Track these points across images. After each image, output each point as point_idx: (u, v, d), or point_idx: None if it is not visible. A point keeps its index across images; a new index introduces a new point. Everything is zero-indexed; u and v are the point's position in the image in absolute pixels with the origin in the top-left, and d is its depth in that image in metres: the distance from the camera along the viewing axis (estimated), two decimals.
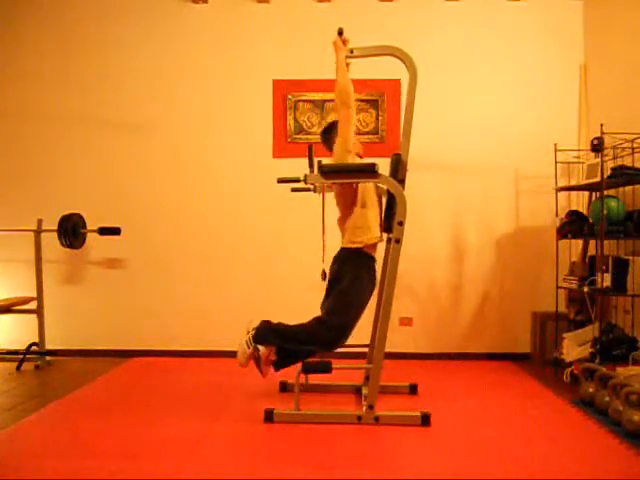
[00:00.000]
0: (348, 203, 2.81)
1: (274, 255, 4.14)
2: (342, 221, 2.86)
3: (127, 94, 4.19)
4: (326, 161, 2.70)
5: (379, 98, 4.12)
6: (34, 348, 3.84)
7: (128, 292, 4.18)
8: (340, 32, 2.80)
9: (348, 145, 2.71)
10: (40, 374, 3.67)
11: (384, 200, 2.94)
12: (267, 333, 2.74)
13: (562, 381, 3.38)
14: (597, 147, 3.24)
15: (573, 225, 3.53)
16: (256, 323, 2.80)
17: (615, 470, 2.14)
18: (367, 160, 2.75)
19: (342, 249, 2.83)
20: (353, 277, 2.74)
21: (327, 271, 2.85)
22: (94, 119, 4.19)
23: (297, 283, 4.06)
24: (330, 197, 2.97)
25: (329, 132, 2.94)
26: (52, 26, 4.21)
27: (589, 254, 3.72)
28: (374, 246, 2.83)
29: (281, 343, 2.71)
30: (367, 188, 2.82)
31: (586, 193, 3.86)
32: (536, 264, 4.07)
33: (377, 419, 2.63)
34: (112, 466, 2.16)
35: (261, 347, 2.71)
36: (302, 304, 4.01)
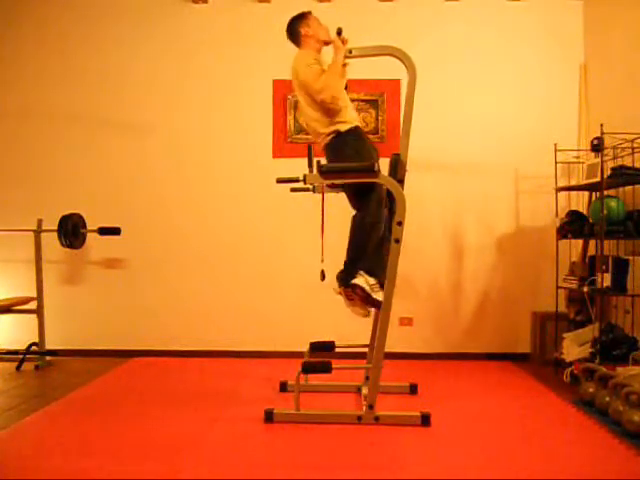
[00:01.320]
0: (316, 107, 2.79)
1: (274, 255, 4.14)
2: (313, 125, 2.85)
3: (127, 94, 4.19)
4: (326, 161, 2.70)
5: (379, 98, 4.12)
6: (34, 348, 3.84)
7: (128, 292, 4.18)
8: (339, 32, 2.80)
9: (304, 83, 2.76)
10: (40, 374, 3.67)
11: None
12: (348, 271, 2.75)
13: (562, 381, 3.38)
14: (597, 147, 3.24)
15: (573, 225, 3.53)
16: (336, 282, 2.80)
17: (615, 470, 2.13)
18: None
19: (326, 145, 2.82)
20: (348, 151, 2.74)
21: (325, 272, 2.85)
22: (94, 119, 4.20)
23: (297, 283, 4.06)
24: (329, 197, 2.97)
25: (295, 23, 2.95)
26: (52, 26, 4.21)
27: (589, 254, 3.72)
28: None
29: (360, 262, 2.71)
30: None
31: (586, 193, 3.86)
32: (536, 264, 4.07)
33: (377, 419, 2.63)
34: (112, 466, 2.16)
35: (356, 281, 2.68)
36: (302, 304, 4.06)
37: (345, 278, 2.77)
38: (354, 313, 2.80)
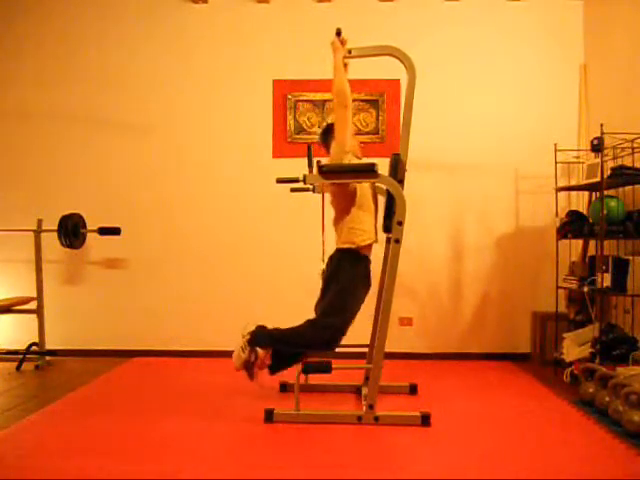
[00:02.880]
0: (343, 204, 2.80)
1: (274, 255, 4.14)
2: (337, 221, 2.85)
3: (127, 94, 4.19)
4: (325, 161, 2.70)
5: (379, 98, 4.12)
6: (34, 348, 3.84)
7: (128, 292, 4.18)
8: (338, 32, 2.79)
9: (345, 146, 2.71)
10: (40, 374, 3.67)
11: (382, 202, 2.94)
12: (262, 337, 2.76)
13: (562, 381, 3.38)
14: (597, 147, 3.24)
15: (573, 225, 3.53)
16: (251, 327, 2.81)
17: (615, 470, 2.13)
18: (367, 160, 2.75)
19: (337, 250, 2.84)
20: (348, 277, 2.75)
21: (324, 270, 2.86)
22: (94, 119, 4.20)
23: (297, 283, 4.06)
24: (329, 197, 2.97)
25: (327, 133, 2.94)
26: (52, 26, 4.21)
27: (589, 254, 3.72)
28: (369, 247, 2.83)
29: (277, 346, 2.74)
30: (364, 190, 2.80)
31: (586, 193, 3.86)
32: (536, 264, 4.07)
33: (377, 419, 2.63)
34: (112, 466, 2.16)
35: (259, 350, 2.72)
36: (302, 304, 4.01)
37: (257, 339, 2.74)
38: (234, 357, 2.77)
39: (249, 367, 2.73)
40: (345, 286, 2.74)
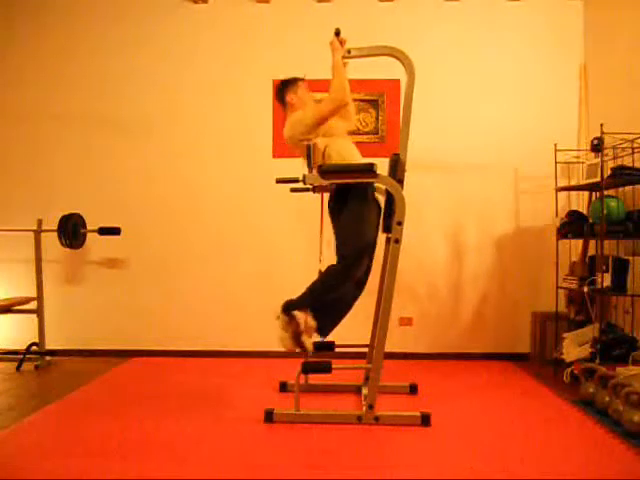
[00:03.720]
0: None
1: (274, 255, 4.14)
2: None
3: (127, 94, 4.19)
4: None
5: (379, 98, 4.12)
6: (34, 348, 3.84)
7: (128, 292, 4.18)
8: (337, 32, 2.79)
9: (319, 122, 2.73)
10: (40, 374, 3.67)
11: (381, 202, 2.94)
12: (294, 302, 2.73)
13: (562, 381, 3.38)
14: (597, 147, 3.24)
15: (573, 225, 3.53)
16: (279, 308, 2.78)
17: (615, 470, 2.14)
18: (366, 160, 2.75)
19: (333, 190, 2.82)
20: (351, 208, 2.73)
21: (324, 258, 2.87)
22: (94, 119, 4.20)
23: (297, 283, 4.04)
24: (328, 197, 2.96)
25: (283, 89, 2.95)
26: (52, 26, 4.21)
27: (589, 254, 3.72)
28: None
29: (312, 301, 2.70)
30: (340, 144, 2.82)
31: (586, 193, 3.86)
32: (536, 264, 4.07)
33: (377, 419, 2.63)
34: (112, 466, 2.16)
35: (297, 312, 2.67)
36: None
37: (289, 306, 2.72)
38: (281, 343, 2.72)
39: (298, 339, 2.65)
40: (352, 216, 2.71)
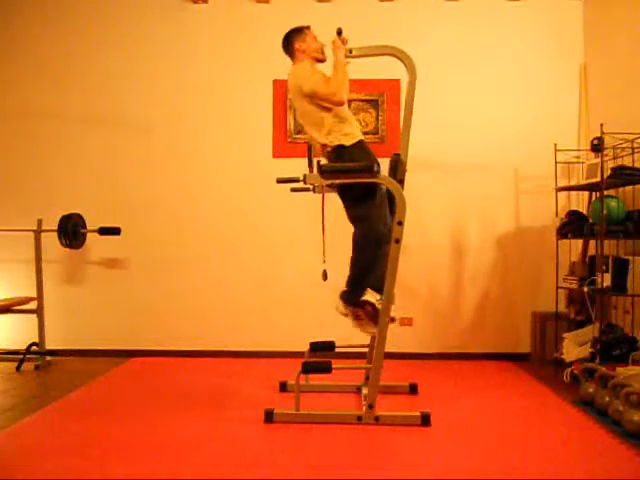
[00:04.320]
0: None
1: (274, 255, 4.14)
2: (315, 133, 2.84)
3: (127, 94, 4.19)
4: (324, 161, 2.70)
5: (379, 98, 4.12)
6: (34, 348, 3.84)
7: (128, 292, 4.18)
8: (339, 32, 2.79)
9: (314, 94, 2.73)
10: (40, 374, 3.67)
11: None
12: (352, 292, 2.76)
13: (562, 381, 3.38)
14: (597, 147, 3.24)
15: (573, 225, 3.53)
16: (339, 302, 2.81)
17: (615, 470, 2.14)
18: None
19: (332, 149, 2.80)
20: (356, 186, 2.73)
21: (328, 273, 2.85)
22: (94, 119, 4.19)
23: (297, 283, 4.06)
24: (329, 197, 2.97)
25: (290, 37, 2.95)
26: (52, 26, 4.21)
27: (589, 254, 3.72)
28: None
29: (366, 282, 2.75)
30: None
31: (586, 193, 3.86)
32: (536, 264, 4.07)
33: (377, 419, 2.63)
34: (112, 466, 2.16)
35: (368, 297, 2.72)
36: (302, 304, 4.06)
37: (352, 297, 2.77)
38: (363, 332, 2.78)
39: (378, 316, 2.68)
40: (358, 190, 2.72)
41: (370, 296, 2.75)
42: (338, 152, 2.78)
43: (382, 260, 2.72)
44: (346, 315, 2.80)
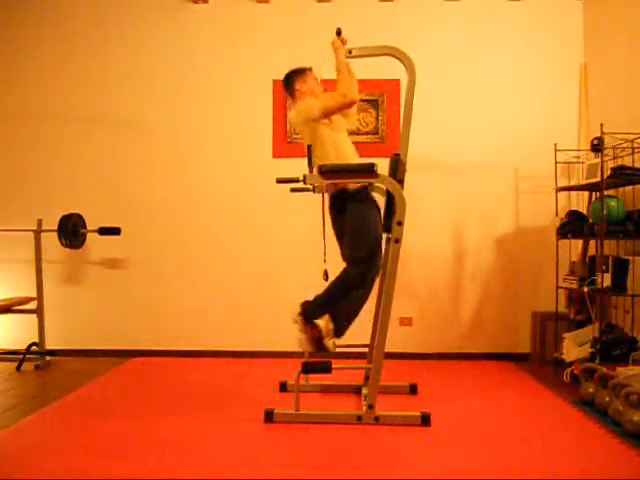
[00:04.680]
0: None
1: (274, 255, 4.14)
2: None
3: (127, 94, 4.19)
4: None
5: (379, 98, 4.12)
6: (34, 348, 3.84)
7: (128, 292, 4.18)
8: (338, 32, 2.79)
9: (326, 113, 2.75)
10: (40, 374, 3.67)
11: (381, 202, 2.94)
12: (312, 309, 2.75)
13: (562, 381, 3.38)
14: (597, 147, 3.24)
15: (573, 225, 3.53)
16: (297, 309, 2.80)
17: (615, 470, 2.13)
18: (367, 160, 2.75)
19: (332, 196, 2.85)
20: (354, 212, 2.75)
21: (328, 272, 2.85)
22: (94, 119, 4.20)
23: (296, 283, 4.05)
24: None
25: (292, 77, 2.97)
26: (52, 26, 4.21)
27: (589, 254, 3.72)
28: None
29: (329, 308, 2.73)
30: (340, 139, 2.84)
31: (586, 193, 3.86)
32: (536, 264, 4.07)
33: (377, 419, 2.63)
34: (112, 466, 2.16)
35: (318, 322, 2.71)
36: None
37: (310, 313, 2.75)
38: (299, 345, 2.77)
39: (319, 343, 2.70)
40: (355, 220, 2.75)
41: (324, 323, 2.72)
42: (340, 198, 2.81)
43: (361, 298, 2.75)
44: (295, 322, 2.78)
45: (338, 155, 2.80)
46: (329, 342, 2.71)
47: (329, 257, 2.90)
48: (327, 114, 2.77)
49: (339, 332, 2.76)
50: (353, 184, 2.79)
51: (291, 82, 2.97)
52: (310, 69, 2.99)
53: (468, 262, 4.11)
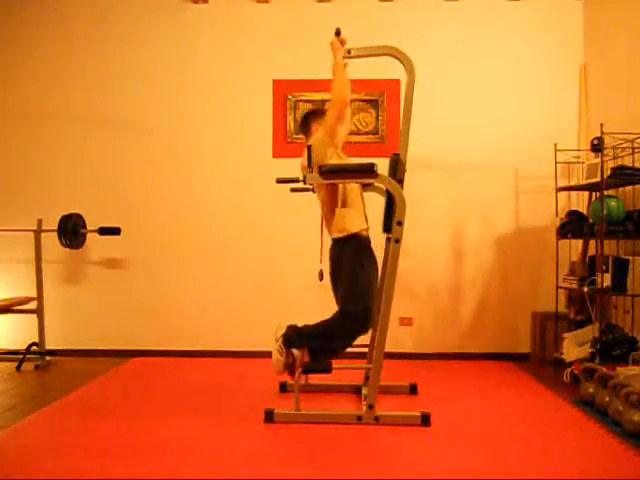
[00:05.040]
0: (331, 203, 2.81)
1: (273, 255, 4.14)
2: (326, 215, 2.86)
3: (127, 94, 4.19)
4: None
5: (379, 98, 4.12)
6: (34, 348, 3.84)
7: (128, 292, 4.18)
8: (337, 32, 2.79)
9: (334, 136, 2.73)
10: (40, 374, 3.67)
11: (381, 202, 2.94)
12: (295, 337, 2.74)
13: (562, 381, 3.38)
14: (597, 147, 3.24)
15: (573, 225, 3.53)
16: (283, 329, 2.79)
17: (615, 470, 2.14)
18: (367, 160, 2.75)
19: (333, 241, 2.84)
20: (352, 262, 2.74)
21: (324, 271, 2.86)
22: (94, 119, 4.20)
23: (296, 283, 4.06)
24: (318, 194, 2.97)
25: (309, 118, 2.96)
26: (52, 26, 4.21)
27: (589, 254, 3.72)
28: (363, 231, 2.82)
29: (312, 343, 2.72)
30: (351, 188, 2.81)
31: (586, 193, 3.86)
32: (536, 264, 4.07)
33: (377, 419, 2.63)
34: (112, 466, 2.16)
35: (295, 351, 2.70)
36: (301, 303, 4.05)
37: (291, 339, 2.73)
38: (273, 362, 2.75)
39: (291, 370, 2.71)
40: (353, 271, 2.73)
41: (299, 355, 2.70)
42: (340, 242, 2.80)
43: (344, 345, 2.74)
44: (275, 341, 2.77)
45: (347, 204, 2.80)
46: (298, 372, 2.72)
47: (325, 257, 2.90)
48: (333, 131, 2.72)
49: (310, 369, 2.75)
50: (361, 231, 2.79)
51: (308, 123, 2.96)
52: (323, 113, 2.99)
53: (468, 262, 4.11)
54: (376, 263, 2.88)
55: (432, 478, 2.08)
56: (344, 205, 2.79)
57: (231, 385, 3.32)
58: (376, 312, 2.78)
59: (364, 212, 2.89)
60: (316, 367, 2.76)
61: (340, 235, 2.79)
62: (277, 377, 3.26)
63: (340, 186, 2.79)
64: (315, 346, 2.73)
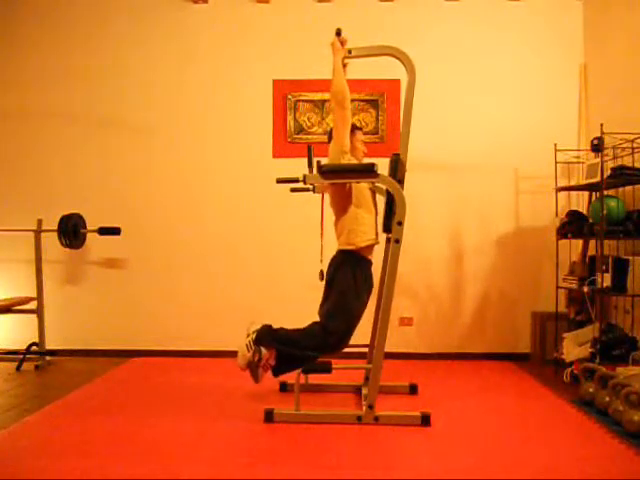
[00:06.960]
0: (341, 204, 2.79)
1: (273, 255, 4.14)
2: (337, 222, 2.83)
3: (127, 94, 4.19)
4: (325, 161, 2.70)
5: (379, 98, 4.12)
6: (34, 348, 3.84)
7: (128, 292, 4.18)
8: (338, 32, 2.79)
9: (343, 146, 2.70)
10: (40, 374, 3.67)
11: (381, 202, 2.93)
12: (267, 336, 2.70)
13: (562, 381, 3.38)
14: (597, 147, 3.24)
15: (573, 225, 3.53)
16: (257, 326, 2.76)
17: (615, 470, 2.14)
18: (367, 160, 2.75)
19: (338, 251, 2.82)
20: (349, 281, 2.72)
21: (325, 272, 2.85)
22: (94, 119, 4.20)
23: (296, 283, 4.06)
24: (328, 198, 2.97)
25: (331, 132, 2.94)
26: (52, 26, 4.21)
27: (589, 254, 3.72)
28: (370, 248, 2.81)
29: (282, 347, 2.68)
30: (362, 189, 2.79)
31: (586, 193, 3.86)
32: (536, 264, 4.07)
33: (377, 419, 2.63)
34: (112, 466, 2.16)
35: (263, 349, 2.67)
36: (301, 304, 4.01)
37: (262, 338, 2.69)
38: (238, 356, 2.71)
39: (253, 367, 2.68)
40: (347, 290, 2.71)
41: (266, 355, 2.66)
42: (342, 254, 2.79)
43: (311, 357, 2.70)
44: (247, 335, 2.73)
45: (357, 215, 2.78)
46: (261, 372, 2.68)
47: (326, 257, 2.89)
48: (343, 141, 2.70)
49: (276, 373, 2.71)
50: (367, 247, 2.77)
51: (331, 135, 2.90)
52: (360, 129, 3.00)
53: (468, 262, 4.11)
54: (371, 287, 2.84)
55: (432, 478, 2.09)
56: (356, 206, 2.76)
57: (231, 385, 3.32)
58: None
59: (375, 220, 2.85)
60: (316, 367, 2.76)
61: (344, 248, 2.78)
62: (276, 377, 3.27)
63: (347, 187, 2.76)
64: (285, 351, 2.67)
